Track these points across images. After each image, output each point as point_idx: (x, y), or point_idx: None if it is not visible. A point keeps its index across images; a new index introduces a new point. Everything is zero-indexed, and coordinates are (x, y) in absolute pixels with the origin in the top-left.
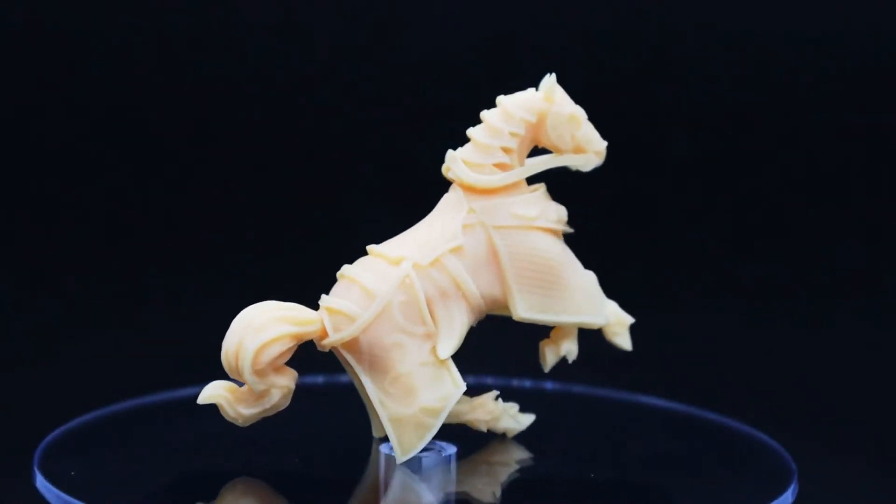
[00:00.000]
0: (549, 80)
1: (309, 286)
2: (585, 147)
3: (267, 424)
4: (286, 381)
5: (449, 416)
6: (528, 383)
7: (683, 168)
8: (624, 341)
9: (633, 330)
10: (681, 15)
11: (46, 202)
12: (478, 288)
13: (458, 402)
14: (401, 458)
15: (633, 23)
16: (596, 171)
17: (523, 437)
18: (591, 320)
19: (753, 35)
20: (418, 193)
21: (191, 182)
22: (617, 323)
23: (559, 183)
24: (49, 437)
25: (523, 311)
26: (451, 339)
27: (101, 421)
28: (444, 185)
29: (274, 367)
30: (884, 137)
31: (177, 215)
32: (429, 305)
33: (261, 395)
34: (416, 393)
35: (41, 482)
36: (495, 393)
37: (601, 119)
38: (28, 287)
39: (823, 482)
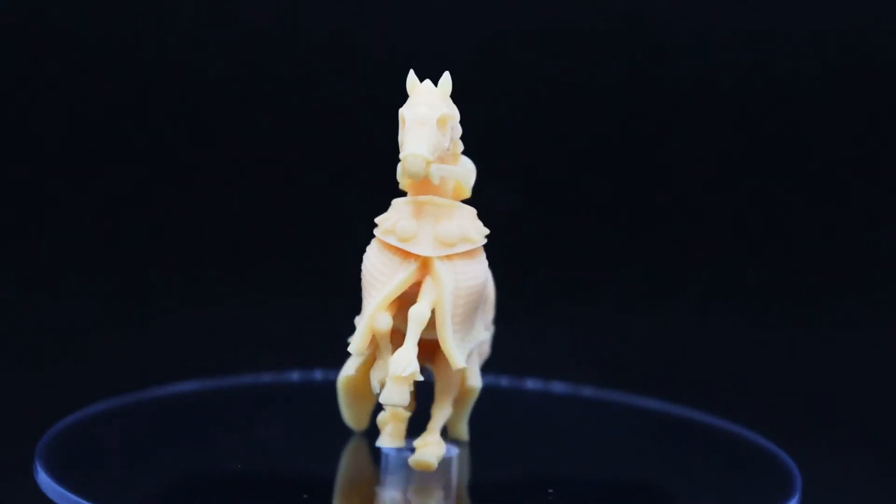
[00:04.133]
0: (408, 78)
1: (308, 286)
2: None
3: (268, 422)
4: None
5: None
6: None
7: (684, 168)
8: (384, 392)
9: (634, 330)
10: (681, 14)
11: (46, 202)
12: None
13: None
14: None
15: (633, 22)
16: (595, 169)
17: (522, 438)
18: None
19: (753, 35)
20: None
21: (191, 182)
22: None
23: (563, 183)
24: (49, 433)
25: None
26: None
27: (101, 417)
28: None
29: None
30: (884, 137)
31: (177, 215)
32: None
33: None
34: None
35: (43, 478)
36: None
37: (600, 118)
38: (28, 287)
39: (826, 485)
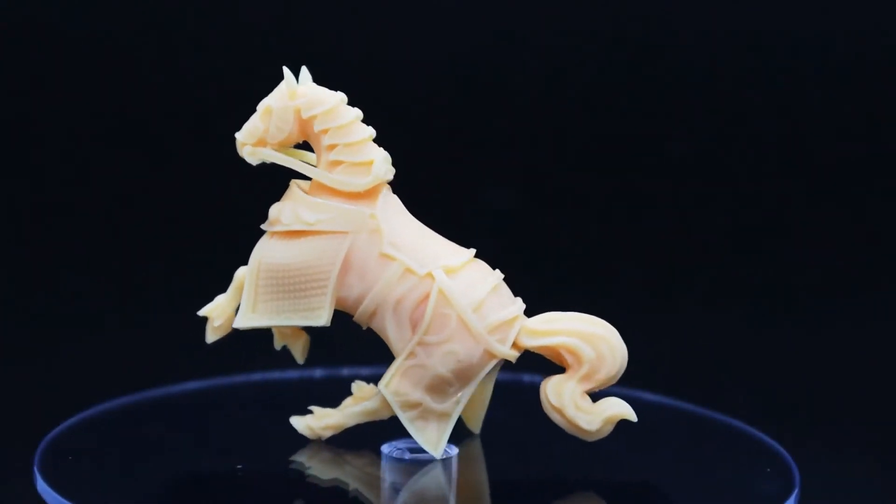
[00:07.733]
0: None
1: None
2: None
3: (268, 422)
4: None
5: None
6: (538, 378)
7: (683, 168)
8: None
9: (633, 329)
10: (680, 14)
11: (46, 201)
12: None
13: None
14: None
15: (633, 22)
16: (595, 168)
17: (521, 436)
18: None
19: (753, 35)
20: (416, 194)
21: (191, 182)
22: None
23: (564, 182)
24: (49, 437)
25: None
26: None
27: (101, 418)
28: (437, 184)
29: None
30: (884, 137)
31: (176, 215)
32: None
33: None
34: None
35: (41, 485)
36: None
37: (600, 117)
38: (28, 287)
39: (825, 483)
